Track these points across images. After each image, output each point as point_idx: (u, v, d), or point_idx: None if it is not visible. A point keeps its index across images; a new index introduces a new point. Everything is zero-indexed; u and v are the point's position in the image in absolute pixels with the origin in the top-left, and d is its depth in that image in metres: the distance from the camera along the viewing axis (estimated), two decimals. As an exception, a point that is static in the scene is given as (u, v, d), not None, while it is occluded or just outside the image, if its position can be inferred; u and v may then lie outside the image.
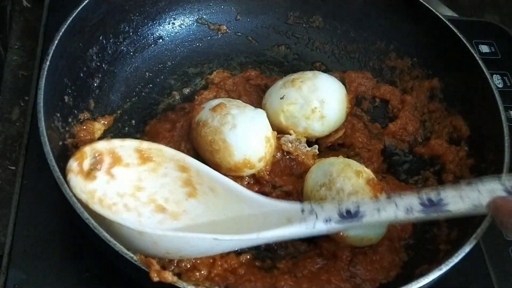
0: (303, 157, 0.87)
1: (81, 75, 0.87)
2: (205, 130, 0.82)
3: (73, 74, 0.85)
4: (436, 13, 0.94)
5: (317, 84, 0.89)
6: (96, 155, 0.74)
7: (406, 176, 0.91)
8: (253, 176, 0.85)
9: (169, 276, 0.63)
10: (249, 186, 0.84)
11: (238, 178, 0.83)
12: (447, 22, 0.93)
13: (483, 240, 0.84)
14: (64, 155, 0.78)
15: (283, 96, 0.89)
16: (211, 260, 0.73)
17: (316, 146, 0.89)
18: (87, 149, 0.74)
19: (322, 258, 0.78)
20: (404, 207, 0.67)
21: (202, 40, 1.05)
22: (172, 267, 0.71)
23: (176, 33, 1.03)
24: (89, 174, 0.73)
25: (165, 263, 0.72)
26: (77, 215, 0.67)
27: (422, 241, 0.82)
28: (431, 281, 0.67)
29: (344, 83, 0.95)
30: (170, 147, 0.80)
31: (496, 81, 1.08)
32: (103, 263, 0.78)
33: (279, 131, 0.88)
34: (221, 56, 1.03)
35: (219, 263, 0.73)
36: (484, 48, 1.15)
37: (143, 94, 0.96)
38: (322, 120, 0.89)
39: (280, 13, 1.07)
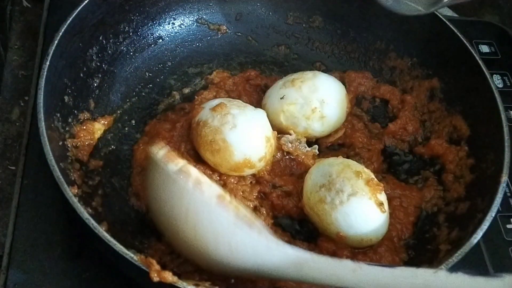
0: (303, 157, 0.87)
1: (81, 75, 0.87)
2: (205, 130, 0.82)
3: (73, 74, 0.85)
4: (436, 13, 0.94)
5: (317, 84, 0.89)
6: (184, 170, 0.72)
7: (406, 176, 0.91)
8: (253, 176, 0.85)
9: (169, 276, 0.63)
10: (250, 186, 0.84)
11: (239, 178, 0.83)
12: (447, 22, 0.93)
13: (483, 240, 0.84)
14: (64, 155, 0.78)
15: (283, 96, 0.89)
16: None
17: (316, 146, 0.89)
18: (181, 162, 0.71)
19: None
20: None
21: (202, 40, 1.05)
22: (172, 266, 0.71)
23: (176, 33, 1.03)
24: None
25: (166, 260, 0.72)
26: (77, 215, 0.67)
27: (422, 241, 0.82)
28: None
29: (344, 83, 0.95)
30: (170, 147, 0.79)
31: (496, 81, 1.08)
32: (103, 263, 0.78)
33: (279, 131, 0.88)
34: (221, 56, 1.03)
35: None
36: (484, 48, 1.15)
37: (143, 94, 0.96)
38: (322, 120, 0.89)
39: (280, 13, 1.07)
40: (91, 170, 0.83)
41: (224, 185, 0.82)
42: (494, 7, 1.29)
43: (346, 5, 1.03)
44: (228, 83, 0.97)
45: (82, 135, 0.83)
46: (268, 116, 0.86)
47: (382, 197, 0.78)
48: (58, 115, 0.80)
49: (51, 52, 0.79)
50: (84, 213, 0.66)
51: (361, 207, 0.77)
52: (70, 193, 0.68)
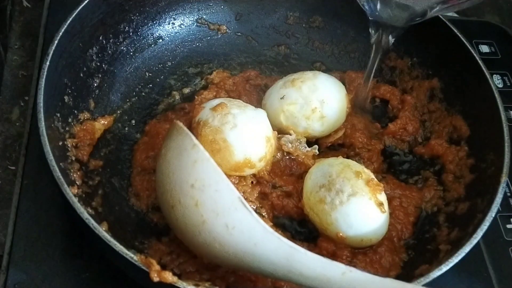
0: (303, 157, 0.87)
1: (81, 75, 0.87)
2: (206, 130, 0.82)
3: (73, 74, 0.85)
4: (436, 13, 0.94)
5: (317, 84, 0.89)
6: None
7: (406, 176, 0.91)
8: (253, 176, 0.85)
9: (169, 276, 0.63)
10: (251, 187, 0.84)
11: (239, 178, 0.83)
12: (447, 22, 0.93)
13: (483, 240, 0.84)
14: (64, 155, 0.78)
15: (283, 96, 0.89)
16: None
17: (316, 146, 0.89)
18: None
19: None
20: None
21: (202, 40, 1.05)
22: (172, 267, 0.71)
23: (176, 33, 1.03)
24: None
25: (166, 260, 0.72)
26: (77, 215, 0.67)
27: (422, 241, 0.82)
28: (431, 281, 0.67)
29: (344, 83, 0.95)
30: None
31: (496, 81, 1.08)
32: (103, 263, 0.78)
33: (279, 131, 0.88)
34: (221, 56, 1.03)
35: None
36: (484, 48, 1.15)
37: (143, 94, 0.96)
38: (322, 120, 0.89)
39: (280, 13, 1.07)
40: (91, 170, 0.83)
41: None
42: (494, 7, 1.29)
43: (346, 5, 1.03)
44: (228, 83, 0.97)
45: (82, 135, 0.83)
46: (268, 116, 0.86)
47: (382, 197, 0.78)
48: (58, 115, 0.80)
49: (51, 52, 0.79)
50: (84, 213, 0.66)
51: (361, 207, 0.77)
52: (70, 193, 0.68)
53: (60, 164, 0.71)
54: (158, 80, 0.98)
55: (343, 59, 1.05)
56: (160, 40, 1.01)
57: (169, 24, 1.02)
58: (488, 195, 0.76)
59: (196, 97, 0.94)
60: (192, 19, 1.04)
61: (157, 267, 0.63)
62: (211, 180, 0.65)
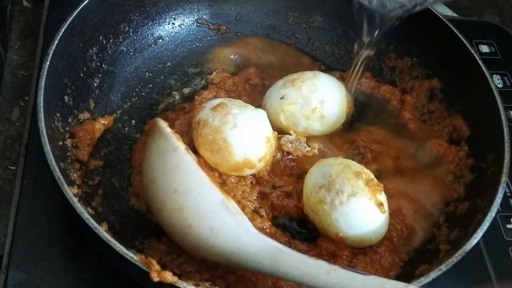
0: (303, 157, 0.87)
1: (81, 75, 0.87)
2: (206, 130, 0.82)
3: (73, 74, 0.85)
4: (436, 13, 0.94)
5: (317, 84, 0.89)
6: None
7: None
8: (253, 176, 0.85)
9: (169, 276, 0.63)
10: (250, 187, 0.84)
11: (239, 178, 0.83)
12: (447, 22, 0.93)
13: (483, 240, 0.84)
14: (64, 155, 0.78)
15: (283, 96, 0.89)
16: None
17: (316, 146, 0.89)
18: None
19: (322, 258, 0.78)
20: None
21: (202, 40, 1.05)
22: (172, 266, 0.71)
23: (176, 33, 1.03)
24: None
25: (166, 260, 0.72)
26: (77, 215, 0.67)
27: (422, 241, 0.82)
28: (431, 281, 0.67)
29: (344, 83, 0.95)
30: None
31: (496, 81, 1.08)
32: (103, 263, 0.78)
33: (279, 131, 0.88)
34: (221, 56, 1.03)
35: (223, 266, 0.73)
36: (484, 48, 1.15)
37: (143, 94, 0.96)
38: (322, 120, 0.89)
39: (280, 13, 1.07)
40: (91, 170, 0.83)
41: (224, 185, 0.82)
42: (494, 7, 1.29)
43: (346, 5, 1.02)
44: (228, 83, 0.97)
45: (82, 135, 0.83)
46: (268, 116, 0.86)
47: (382, 198, 0.78)
48: (58, 115, 0.80)
49: (51, 52, 0.79)
50: (84, 213, 0.66)
51: (361, 207, 0.77)
52: (70, 193, 0.68)
53: (60, 164, 0.71)
54: (158, 80, 0.98)
55: (343, 59, 1.05)
56: (160, 40, 1.01)
57: (169, 24, 1.02)
58: (488, 195, 0.76)
59: (196, 97, 0.94)
60: (192, 19, 1.04)
61: (157, 267, 0.63)
62: (194, 184, 0.66)
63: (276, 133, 0.87)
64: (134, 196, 0.83)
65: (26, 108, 0.95)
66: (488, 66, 0.88)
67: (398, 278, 0.77)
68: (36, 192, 0.84)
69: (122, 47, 0.96)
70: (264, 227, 0.80)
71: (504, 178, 0.76)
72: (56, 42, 0.80)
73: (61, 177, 0.69)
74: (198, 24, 1.05)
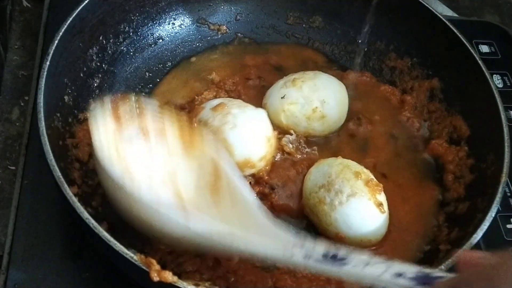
0: (303, 157, 0.87)
1: (81, 75, 0.87)
2: (206, 130, 0.81)
3: (73, 74, 0.85)
4: (436, 13, 0.94)
5: (318, 84, 0.89)
6: (140, 107, 0.69)
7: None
8: (252, 176, 0.85)
9: (169, 276, 0.63)
10: (250, 187, 0.84)
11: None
12: (447, 22, 0.93)
13: (483, 240, 0.84)
14: (64, 155, 0.78)
15: (283, 96, 0.89)
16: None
17: (316, 147, 0.89)
18: (133, 96, 0.68)
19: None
20: (395, 273, 0.58)
21: (202, 40, 1.05)
22: (172, 266, 0.71)
23: (176, 33, 1.03)
24: (121, 119, 0.67)
25: (166, 260, 0.72)
26: (77, 215, 0.67)
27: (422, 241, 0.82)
28: (431, 281, 0.67)
29: (344, 83, 0.95)
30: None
31: (496, 81, 1.08)
32: (103, 263, 0.78)
33: (280, 130, 0.88)
34: (221, 56, 1.03)
35: (223, 265, 0.73)
36: (484, 48, 1.15)
37: (143, 94, 0.96)
38: (323, 120, 0.89)
39: (280, 13, 1.07)
40: (91, 170, 0.83)
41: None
42: (494, 7, 1.29)
43: (346, 5, 1.03)
44: (228, 83, 0.97)
45: (82, 135, 0.83)
46: (268, 115, 0.86)
47: (382, 198, 0.78)
48: (58, 115, 0.80)
49: (51, 52, 0.79)
50: (84, 213, 0.66)
51: (360, 207, 0.77)
52: (70, 193, 0.68)
53: (60, 164, 0.71)
54: (158, 80, 0.98)
55: (343, 59, 1.05)
56: (160, 40, 1.01)
57: (169, 24, 1.02)
58: (488, 195, 0.76)
59: (196, 97, 0.94)
60: (192, 19, 1.04)
61: (157, 266, 0.63)
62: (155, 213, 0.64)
63: (276, 133, 0.87)
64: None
65: (26, 108, 0.95)
66: (488, 66, 0.88)
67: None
68: (36, 192, 0.84)
69: (122, 47, 0.96)
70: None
71: (504, 178, 0.76)
72: (56, 42, 0.80)
73: (61, 177, 0.69)
74: (198, 24, 1.05)
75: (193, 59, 1.02)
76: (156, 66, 1.00)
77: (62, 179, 0.68)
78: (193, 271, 0.73)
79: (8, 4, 1.08)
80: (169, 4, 1.01)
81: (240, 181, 0.70)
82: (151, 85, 0.97)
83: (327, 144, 0.91)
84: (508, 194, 0.94)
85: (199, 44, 1.04)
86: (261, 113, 0.85)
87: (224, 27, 1.06)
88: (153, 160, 0.69)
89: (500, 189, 0.75)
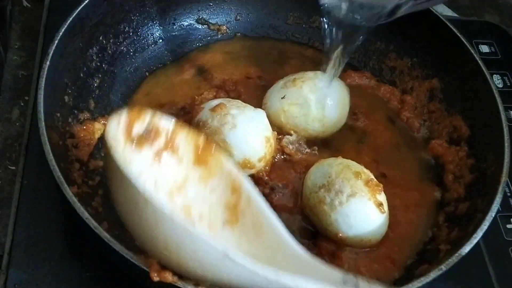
0: (303, 157, 0.87)
1: (81, 75, 0.87)
2: (205, 131, 0.82)
3: (73, 74, 0.85)
4: (436, 13, 0.94)
5: (318, 84, 0.89)
6: (154, 127, 0.63)
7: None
8: (252, 176, 0.85)
9: (169, 276, 0.63)
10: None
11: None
12: (447, 22, 0.93)
13: (483, 240, 0.84)
14: (64, 155, 0.78)
15: (284, 96, 0.89)
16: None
17: (316, 147, 0.89)
18: (148, 114, 0.62)
19: (322, 258, 0.78)
20: None
21: (202, 40, 1.05)
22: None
23: (176, 33, 1.03)
24: (134, 140, 0.62)
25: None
26: (77, 215, 0.67)
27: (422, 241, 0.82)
28: (431, 281, 0.67)
29: (344, 83, 0.95)
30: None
31: (496, 81, 1.08)
32: (103, 263, 0.78)
33: (280, 131, 0.88)
34: (221, 56, 1.03)
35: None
36: (484, 48, 1.15)
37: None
38: (323, 121, 0.89)
39: (280, 13, 1.07)
40: (91, 170, 0.83)
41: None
42: (494, 7, 1.29)
43: (346, 5, 1.03)
44: (228, 83, 0.97)
45: (82, 135, 0.83)
46: (268, 116, 0.86)
47: (382, 198, 0.78)
48: (58, 115, 0.80)
49: (51, 52, 0.79)
50: (84, 213, 0.66)
51: (361, 208, 0.77)
52: (70, 193, 0.68)
53: (60, 164, 0.71)
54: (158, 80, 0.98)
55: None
56: (160, 40, 1.01)
57: (169, 24, 1.02)
58: (488, 195, 0.76)
59: (196, 97, 0.94)
60: (192, 19, 1.04)
61: (157, 266, 0.63)
62: (185, 239, 0.56)
63: (276, 133, 0.87)
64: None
65: (26, 108, 0.95)
66: (488, 66, 0.88)
67: (399, 278, 0.77)
68: (36, 192, 0.84)
69: (122, 47, 0.96)
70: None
71: (504, 178, 0.76)
72: (56, 42, 0.80)
73: (61, 177, 0.69)
74: (198, 24, 1.05)
75: (193, 59, 1.02)
76: (156, 66, 1.00)
77: (62, 179, 0.68)
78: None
79: (8, 4, 1.08)
80: (169, 4, 1.01)
81: (263, 201, 0.65)
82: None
83: (327, 144, 0.91)
84: (508, 194, 0.94)
85: (199, 44, 1.04)
86: (260, 114, 0.85)
87: (224, 27, 1.06)
88: (166, 176, 0.66)
89: (500, 189, 0.75)
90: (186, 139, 0.66)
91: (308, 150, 0.88)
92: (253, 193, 0.65)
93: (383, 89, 0.99)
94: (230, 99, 0.89)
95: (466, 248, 0.70)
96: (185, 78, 0.99)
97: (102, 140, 0.87)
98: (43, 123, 0.72)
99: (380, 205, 0.77)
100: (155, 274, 0.63)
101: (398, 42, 1.00)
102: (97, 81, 0.91)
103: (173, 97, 0.96)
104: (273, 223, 0.64)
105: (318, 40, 1.06)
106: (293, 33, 1.07)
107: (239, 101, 0.88)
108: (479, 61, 0.88)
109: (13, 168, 0.90)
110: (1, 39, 1.02)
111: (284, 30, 1.07)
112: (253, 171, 0.83)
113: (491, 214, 0.73)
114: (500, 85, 1.09)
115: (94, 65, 0.90)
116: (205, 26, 1.05)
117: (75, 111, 0.85)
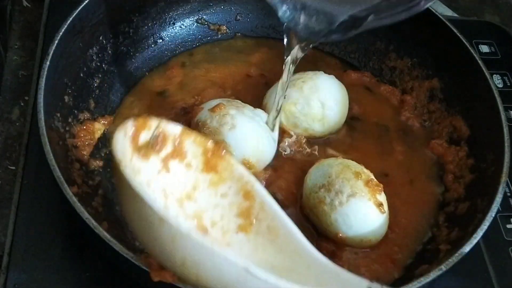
0: (303, 158, 0.87)
1: (81, 75, 0.87)
2: (204, 131, 0.82)
3: (73, 74, 0.85)
4: (436, 13, 0.94)
5: (318, 84, 0.89)
6: (161, 134, 0.61)
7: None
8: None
9: (169, 276, 0.63)
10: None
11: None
12: (447, 22, 0.93)
13: (483, 240, 0.84)
14: (64, 155, 0.78)
15: (284, 96, 0.89)
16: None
17: (316, 147, 0.89)
18: (154, 122, 0.60)
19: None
20: None
21: (202, 40, 1.05)
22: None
23: (176, 33, 1.03)
24: (141, 150, 0.60)
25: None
26: (77, 214, 0.67)
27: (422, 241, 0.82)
28: (431, 281, 0.67)
29: (344, 83, 0.95)
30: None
31: (496, 81, 1.08)
32: (103, 263, 0.78)
33: (279, 131, 0.88)
34: (221, 56, 1.03)
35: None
36: (484, 48, 1.15)
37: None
38: (323, 121, 0.89)
39: (280, 13, 1.07)
40: (91, 170, 0.83)
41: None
42: (494, 7, 1.29)
43: (346, 5, 1.03)
44: (228, 83, 0.97)
45: (82, 135, 0.83)
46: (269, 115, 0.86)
47: (382, 198, 0.78)
48: (58, 115, 0.80)
49: (51, 52, 0.79)
50: (84, 212, 0.66)
51: (361, 208, 0.77)
52: (70, 193, 0.68)
53: (60, 164, 0.71)
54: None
55: (343, 59, 1.05)
56: (160, 40, 1.01)
57: (169, 24, 1.02)
58: (488, 195, 0.76)
59: (195, 97, 0.94)
60: (192, 19, 1.05)
61: (157, 266, 0.63)
62: (203, 256, 0.54)
63: (276, 133, 0.86)
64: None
65: (26, 108, 0.95)
66: (488, 66, 0.88)
67: (399, 278, 0.77)
68: (36, 192, 0.84)
69: (122, 47, 0.96)
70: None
71: (504, 178, 0.76)
72: (56, 42, 0.80)
73: (61, 177, 0.69)
74: (198, 24, 1.05)
75: (193, 59, 1.02)
76: (156, 66, 1.00)
77: (62, 179, 0.68)
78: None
79: (8, 4, 1.08)
80: (169, 4, 1.01)
81: (277, 205, 0.63)
82: (151, 85, 0.97)
83: (327, 144, 0.91)
84: (508, 194, 0.94)
85: (199, 44, 1.04)
86: (259, 114, 0.85)
87: (224, 27, 1.06)
88: (175, 183, 0.64)
89: (500, 189, 0.75)
90: (194, 144, 0.64)
91: (308, 150, 0.88)
92: (266, 198, 0.64)
93: (383, 89, 0.99)
94: (230, 99, 0.89)
95: (466, 248, 0.70)
96: (185, 79, 0.99)
97: (102, 140, 0.87)
98: (43, 123, 0.72)
99: (380, 205, 0.77)
100: (155, 274, 0.63)
101: (398, 42, 1.00)
102: (97, 81, 0.91)
103: (173, 97, 0.96)
104: (289, 228, 0.62)
105: (318, 40, 1.06)
106: (293, 33, 1.07)
107: (239, 101, 0.88)
108: (479, 61, 0.88)
109: (13, 168, 0.90)
110: (1, 39, 1.02)
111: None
112: (252, 171, 0.83)
113: (491, 214, 0.73)
114: (500, 85, 1.09)
115: (94, 65, 0.90)
116: (205, 26, 1.05)
117: (75, 111, 0.85)
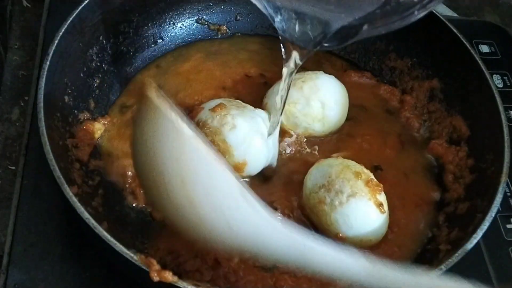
0: (303, 158, 0.87)
1: (81, 75, 0.87)
2: (205, 131, 0.82)
3: (73, 74, 0.85)
4: (436, 13, 0.94)
5: (318, 84, 0.89)
6: None
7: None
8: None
9: (169, 276, 0.63)
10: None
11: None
12: (447, 22, 0.93)
13: (483, 240, 0.84)
14: (64, 155, 0.78)
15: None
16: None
17: (316, 147, 0.89)
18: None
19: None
20: None
21: (202, 40, 1.05)
22: (172, 266, 0.71)
23: (176, 33, 1.03)
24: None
25: (166, 260, 0.72)
26: (77, 215, 0.67)
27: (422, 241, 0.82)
28: (431, 281, 0.67)
29: (344, 83, 0.95)
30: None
31: (496, 81, 1.08)
32: (103, 263, 0.78)
33: (280, 131, 0.88)
34: (221, 56, 1.03)
35: (223, 265, 0.73)
36: (484, 48, 1.15)
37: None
38: (323, 121, 0.89)
39: (280, 13, 1.07)
40: (91, 170, 0.83)
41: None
42: (494, 7, 1.29)
43: (346, 5, 1.03)
44: (228, 83, 0.97)
45: (82, 135, 0.83)
46: (269, 116, 0.86)
47: (382, 198, 0.78)
48: (58, 115, 0.80)
49: (51, 52, 0.79)
50: (84, 212, 0.67)
51: (361, 208, 0.77)
52: (70, 193, 0.68)
53: (60, 164, 0.71)
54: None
55: (344, 59, 1.05)
56: (160, 40, 1.01)
57: (169, 24, 1.02)
58: (488, 195, 0.76)
59: (196, 97, 0.94)
60: (192, 19, 1.04)
61: (157, 266, 0.63)
62: (205, 174, 0.56)
63: (276, 133, 0.86)
64: (130, 194, 0.82)
65: (26, 108, 0.95)
66: (488, 66, 0.88)
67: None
68: (36, 192, 0.84)
69: (122, 47, 0.96)
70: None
71: (504, 178, 0.76)
72: (56, 42, 0.80)
73: (61, 177, 0.69)
74: (198, 24, 1.05)
75: (193, 58, 1.02)
76: (156, 66, 1.00)
77: (62, 179, 0.68)
78: (193, 271, 0.73)
79: (8, 4, 1.08)
80: (169, 4, 1.01)
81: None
82: (151, 85, 0.97)
83: (327, 144, 0.91)
84: (508, 194, 0.94)
85: (199, 44, 1.04)
86: (260, 114, 0.85)
87: (224, 27, 1.06)
88: None
89: (500, 189, 0.75)
90: None
91: (308, 150, 0.88)
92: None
93: (383, 89, 0.99)
94: (230, 99, 0.89)
95: (466, 248, 0.70)
96: (185, 79, 0.99)
97: (101, 140, 0.87)
98: (43, 123, 0.72)
99: (380, 205, 0.77)
100: (155, 274, 0.63)
101: (398, 42, 1.00)
102: (97, 81, 0.91)
103: (174, 98, 0.96)
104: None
105: (318, 40, 1.06)
106: (293, 33, 1.07)
107: (239, 101, 0.88)
108: (479, 61, 0.88)
109: (13, 168, 0.90)
110: (1, 39, 1.02)
111: (284, 30, 1.07)
112: (252, 172, 0.83)
113: (491, 214, 0.73)
114: (500, 85, 1.09)
115: (94, 65, 0.90)
116: (205, 26, 1.05)
117: (75, 111, 0.85)
